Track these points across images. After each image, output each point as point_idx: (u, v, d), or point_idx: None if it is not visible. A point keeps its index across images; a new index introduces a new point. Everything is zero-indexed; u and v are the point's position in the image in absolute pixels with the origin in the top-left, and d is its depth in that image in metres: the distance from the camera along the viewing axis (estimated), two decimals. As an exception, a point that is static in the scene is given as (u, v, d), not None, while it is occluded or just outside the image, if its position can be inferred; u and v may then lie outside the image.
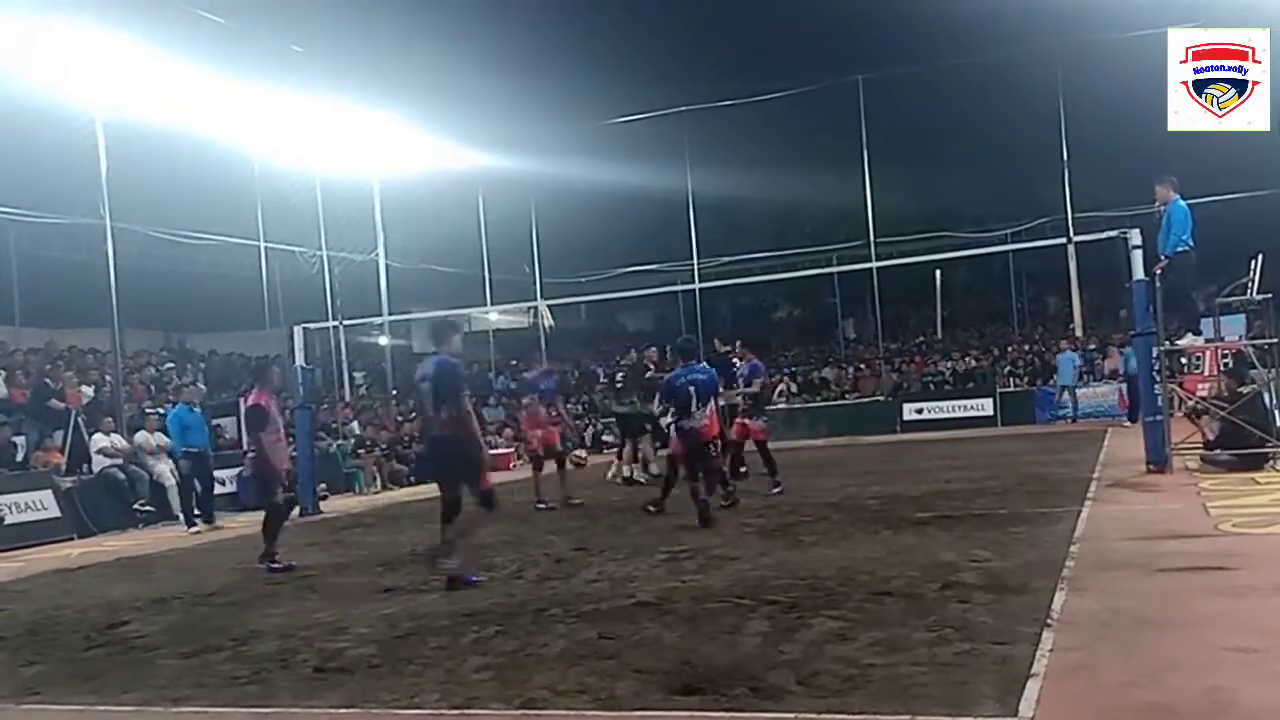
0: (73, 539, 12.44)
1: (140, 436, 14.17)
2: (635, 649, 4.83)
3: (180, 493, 13.35)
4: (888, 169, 25.23)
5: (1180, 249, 10.57)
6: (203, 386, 18.16)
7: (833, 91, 24.66)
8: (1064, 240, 19.45)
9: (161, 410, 15.59)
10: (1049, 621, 4.72)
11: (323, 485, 15.26)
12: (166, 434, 13.60)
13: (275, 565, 8.35)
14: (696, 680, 4.22)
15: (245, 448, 9.01)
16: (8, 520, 12.09)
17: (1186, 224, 10.61)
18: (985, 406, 23.35)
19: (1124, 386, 19.90)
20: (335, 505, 14.85)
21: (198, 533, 12.33)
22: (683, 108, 24.61)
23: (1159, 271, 10.86)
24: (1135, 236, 11.09)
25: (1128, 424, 17.65)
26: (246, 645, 5.57)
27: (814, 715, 3.74)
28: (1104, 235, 12.21)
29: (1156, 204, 10.89)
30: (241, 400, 8.91)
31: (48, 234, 20.46)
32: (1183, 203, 10.72)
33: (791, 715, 3.76)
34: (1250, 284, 11.55)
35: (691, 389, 9.20)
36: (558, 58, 28.68)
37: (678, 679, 4.26)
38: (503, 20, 28.96)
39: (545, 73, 27.61)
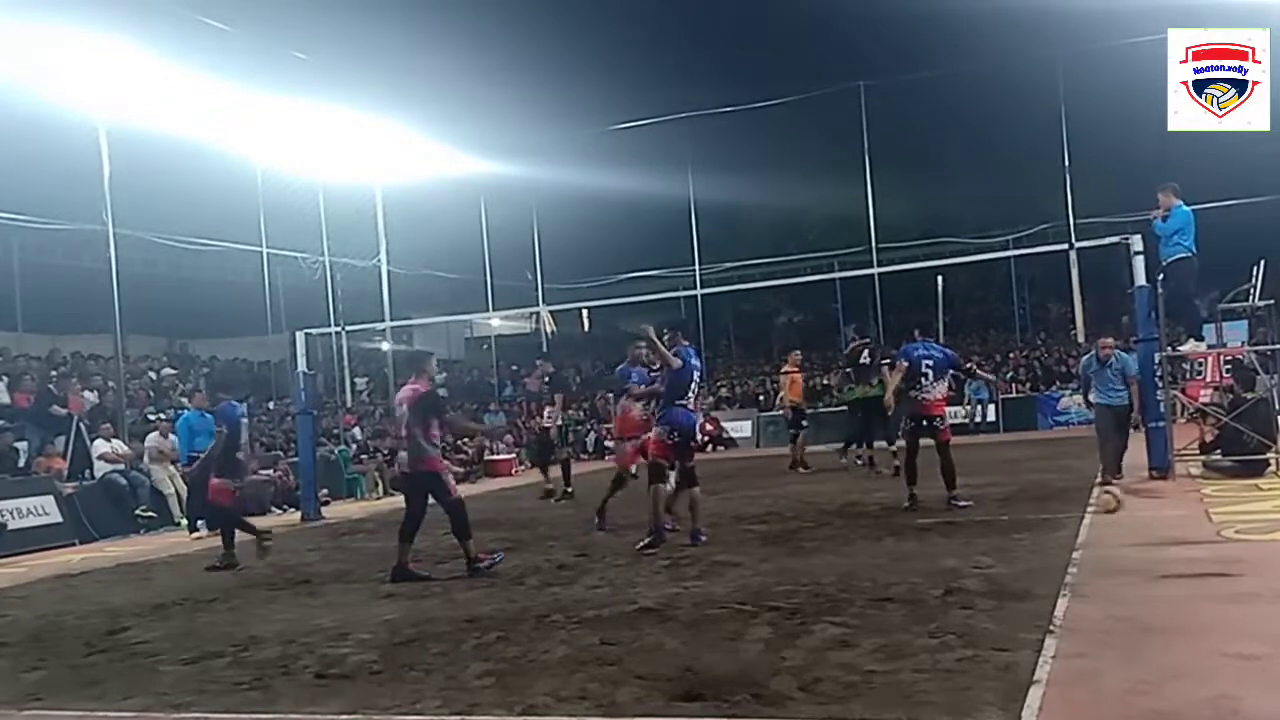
0: (74, 545, 12.43)
1: (152, 439, 14.16)
2: (637, 655, 4.82)
3: (183, 497, 13.35)
4: (889, 175, 25.17)
5: (1181, 254, 10.56)
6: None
7: (834, 98, 24.62)
8: (1066, 246, 19.40)
9: (165, 416, 15.60)
10: (1051, 628, 4.71)
11: (324, 491, 15.29)
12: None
13: (480, 564, 7.57)
14: (698, 686, 4.21)
15: (414, 442, 7.74)
16: (10, 526, 12.09)
17: (1189, 229, 10.60)
18: (988, 412, 23.37)
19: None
20: (337, 511, 14.86)
21: (200, 538, 12.31)
22: (685, 114, 24.57)
23: (1160, 277, 10.86)
24: (1137, 242, 11.08)
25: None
26: (248, 651, 5.57)
27: (816, 722, 3.73)
28: (1106, 241, 12.19)
29: (1160, 210, 10.88)
30: (408, 389, 7.85)
31: (51, 240, 20.47)
32: (1185, 208, 10.72)
33: (793, 722, 3.76)
34: (1252, 290, 11.55)
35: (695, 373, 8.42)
36: (560, 64, 28.71)
37: (679, 685, 4.26)
38: (505, 27, 29.03)
39: (547, 79, 27.64)
